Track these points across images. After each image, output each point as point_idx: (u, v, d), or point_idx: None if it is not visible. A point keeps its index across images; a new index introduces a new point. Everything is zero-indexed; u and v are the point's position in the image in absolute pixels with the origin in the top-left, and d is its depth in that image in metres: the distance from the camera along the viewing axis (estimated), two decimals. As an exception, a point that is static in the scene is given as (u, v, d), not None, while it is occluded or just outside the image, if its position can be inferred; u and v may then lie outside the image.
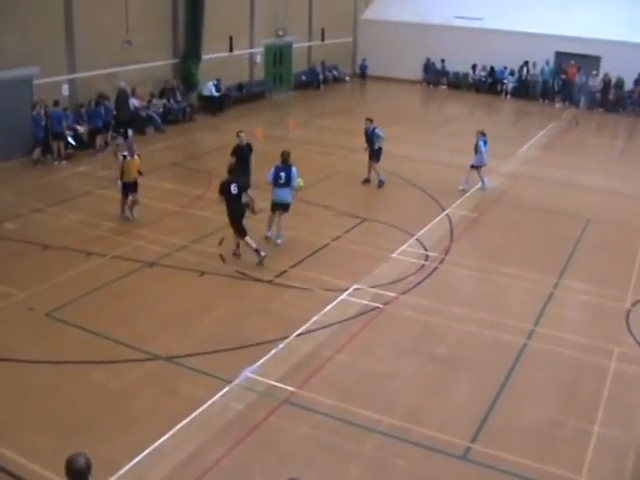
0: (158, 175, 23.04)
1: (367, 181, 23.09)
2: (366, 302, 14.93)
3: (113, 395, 11.54)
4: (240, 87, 36.34)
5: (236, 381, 11.86)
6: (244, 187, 17.00)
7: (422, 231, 19.03)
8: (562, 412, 11.79)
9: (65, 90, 26.14)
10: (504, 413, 11.60)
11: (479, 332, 14.09)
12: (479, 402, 11.81)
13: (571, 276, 16.96)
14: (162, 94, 30.75)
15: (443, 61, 45.18)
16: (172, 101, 30.91)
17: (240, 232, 16.58)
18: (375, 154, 22.89)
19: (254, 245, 16.43)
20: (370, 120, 23.08)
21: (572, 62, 42.04)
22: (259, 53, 38.17)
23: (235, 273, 16.10)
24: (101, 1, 26.82)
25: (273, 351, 12.81)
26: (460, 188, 22.63)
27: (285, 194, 17.57)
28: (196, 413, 10.94)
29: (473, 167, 22.87)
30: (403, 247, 17.87)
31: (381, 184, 22.86)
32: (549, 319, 14.81)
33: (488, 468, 10.25)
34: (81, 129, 25.58)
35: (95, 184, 21.84)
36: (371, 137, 22.77)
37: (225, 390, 11.61)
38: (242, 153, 19.46)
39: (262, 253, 16.40)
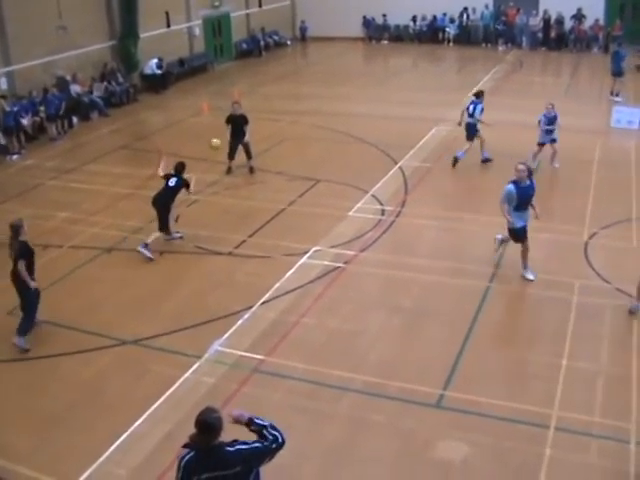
0: (107, 160, 22.87)
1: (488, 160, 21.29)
2: (327, 263, 14.95)
3: (86, 384, 11.47)
4: (181, 62, 36.01)
5: (206, 356, 11.87)
6: (184, 184, 16.28)
7: (376, 186, 19.10)
8: (530, 350, 11.98)
9: (3, 84, 25.72)
10: (473, 357, 11.74)
11: (441, 280, 14.22)
12: (448, 349, 11.94)
13: (528, 216, 17.10)
14: (103, 77, 30.31)
15: (385, 16, 45.05)
16: (114, 83, 30.49)
17: (160, 223, 16.02)
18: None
19: (149, 240, 15.92)
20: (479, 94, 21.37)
21: (511, 3, 42.24)
22: (197, 26, 37.73)
23: (194, 249, 16.03)
24: (30, -11, 26.33)
25: (239, 322, 12.83)
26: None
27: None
28: (169, 392, 10.94)
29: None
30: (359, 204, 17.89)
31: (456, 161, 20.84)
32: (509, 260, 14.92)
33: (462, 413, 10.41)
34: (25, 122, 25.08)
35: (44, 176, 21.52)
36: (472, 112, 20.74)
37: (196, 366, 11.61)
38: (235, 123, 20.15)
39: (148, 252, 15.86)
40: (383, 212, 17.57)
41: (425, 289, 14.06)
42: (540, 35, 41.69)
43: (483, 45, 42.90)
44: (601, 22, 40.68)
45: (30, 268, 12.46)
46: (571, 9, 40.48)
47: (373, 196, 18.54)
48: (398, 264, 14.77)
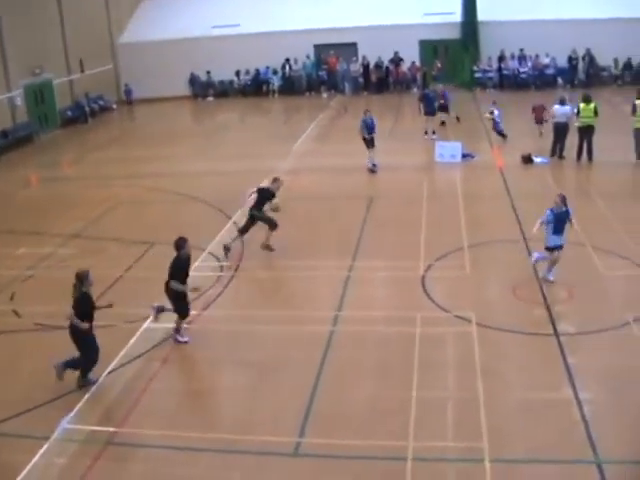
0: None
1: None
2: (171, 325, 14.57)
3: None
4: (5, 134, 34.99)
5: (54, 435, 11.41)
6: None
7: (212, 243, 19.04)
8: (380, 386, 12.24)
9: None
10: (325, 401, 11.88)
11: (287, 330, 14.32)
12: (300, 397, 12.00)
13: (365, 256, 17.57)
14: None
15: (209, 72, 45.46)
16: None
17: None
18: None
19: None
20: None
21: (331, 52, 43.57)
22: (18, 95, 36.82)
23: (33, 326, 15.46)
24: None
25: (87, 395, 12.43)
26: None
27: None
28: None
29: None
30: (197, 263, 17.63)
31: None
32: (351, 302, 15.30)
33: (321, 457, 10.50)
34: None
35: None
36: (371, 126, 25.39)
37: (45, 448, 11.12)
38: (264, 193, 18.52)
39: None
40: (222, 268, 17.59)
41: (270, 341, 14.09)
42: (361, 80, 43.19)
43: (307, 94, 44.03)
44: (417, 64, 42.60)
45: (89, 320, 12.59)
46: (388, 53, 42.22)
47: (210, 253, 18.50)
48: (242, 318, 14.81)
